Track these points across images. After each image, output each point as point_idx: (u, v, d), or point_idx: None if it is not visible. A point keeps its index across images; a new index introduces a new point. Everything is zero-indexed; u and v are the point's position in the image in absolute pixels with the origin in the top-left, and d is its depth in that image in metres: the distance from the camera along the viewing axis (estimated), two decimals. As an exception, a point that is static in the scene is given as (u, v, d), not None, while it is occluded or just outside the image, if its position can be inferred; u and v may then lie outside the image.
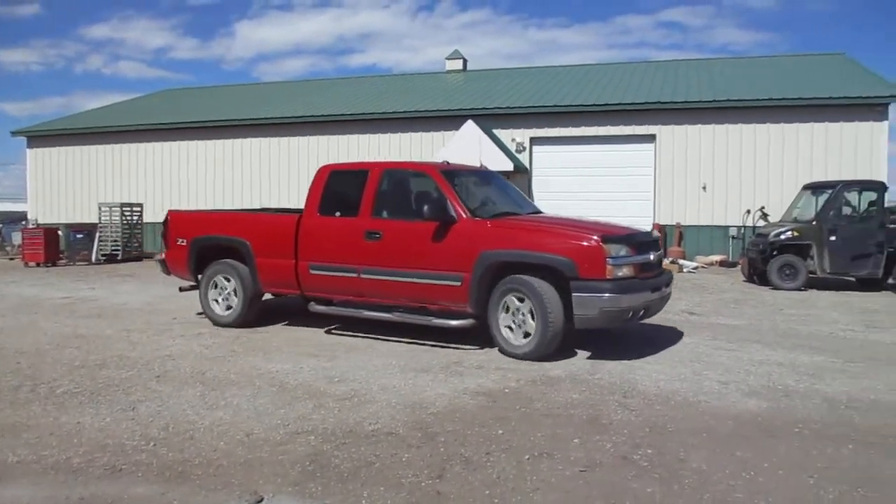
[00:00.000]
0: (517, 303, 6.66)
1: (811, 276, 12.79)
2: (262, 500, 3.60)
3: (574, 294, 6.35)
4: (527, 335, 6.61)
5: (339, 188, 7.85)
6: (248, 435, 4.54)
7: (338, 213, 7.72)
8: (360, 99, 22.95)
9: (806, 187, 14.25)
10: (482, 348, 7.07)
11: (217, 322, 8.41)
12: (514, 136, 19.28)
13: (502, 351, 6.79)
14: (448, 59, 27.09)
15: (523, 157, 19.18)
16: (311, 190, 7.95)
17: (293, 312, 9.06)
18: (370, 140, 20.67)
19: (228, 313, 8.36)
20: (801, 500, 3.64)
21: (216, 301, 8.46)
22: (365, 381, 5.87)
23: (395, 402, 5.29)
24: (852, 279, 13.41)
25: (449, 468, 4.01)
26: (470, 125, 18.21)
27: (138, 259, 18.98)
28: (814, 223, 12.88)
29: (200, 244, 8.53)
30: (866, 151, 16.83)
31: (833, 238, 12.63)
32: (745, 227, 16.01)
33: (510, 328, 6.75)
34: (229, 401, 5.31)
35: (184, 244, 8.62)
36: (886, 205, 13.29)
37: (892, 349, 7.54)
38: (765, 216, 15.63)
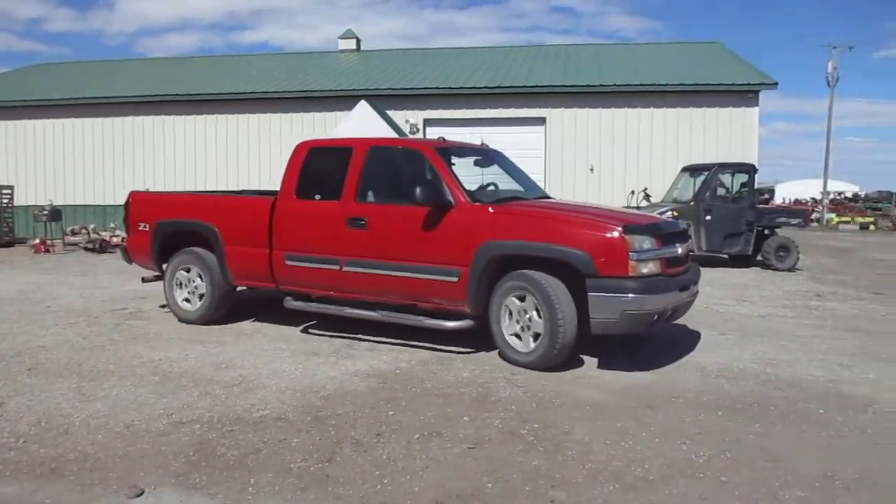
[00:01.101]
0: (518, 303, 5.76)
1: (689, 253, 13.48)
2: (142, 493, 3.46)
3: (590, 294, 5.43)
4: (536, 338, 5.67)
5: (319, 168, 6.97)
6: (127, 427, 4.35)
7: (318, 197, 6.80)
8: (249, 77, 22.23)
9: (684, 169, 14.98)
10: (476, 351, 6.28)
11: (183, 318, 7.55)
12: (407, 117, 19.18)
13: (504, 357, 5.91)
14: (341, 38, 26.64)
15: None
16: (287, 169, 7.02)
17: (265, 307, 7.98)
18: (259, 120, 20.10)
19: (195, 308, 7.49)
20: (674, 465, 3.85)
21: (182, 294, 7.59)
22: (254, 367, 5.74)
23: (284, 386, 5.20)
24: (725, 256, 14.25)
25: (339, 451, 4.00)
26: (363, 105, 18.01)
27: (9, 245, 17.73)
28: (691, 204, 13.57)
29: (164, 230, 7.64)
30: (739, 136, 17.85)
31: (708, 218, 13.36)
32: (629, 207, 16.70)
33: (517, 335, 5.82)
34: (108, 392, 5.06)
35: (146, 229, 7.76)
36: (756, 186, 14.18)
37: (759, 321, 8.10)
38: (647, 197, 16.34)
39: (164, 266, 7.82)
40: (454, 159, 6.60)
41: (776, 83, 17.95)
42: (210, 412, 4.63)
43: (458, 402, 4.89)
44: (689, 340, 6.91)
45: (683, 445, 4.15)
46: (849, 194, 52.33)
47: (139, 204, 8.06)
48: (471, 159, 7.20)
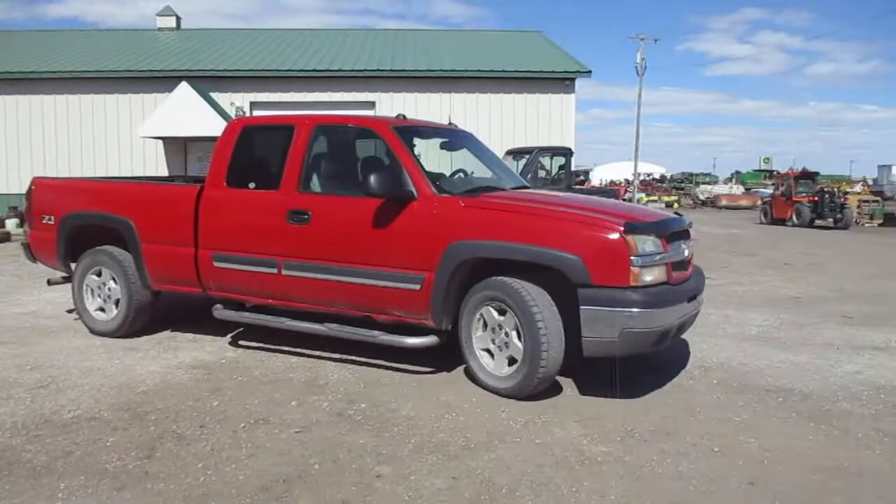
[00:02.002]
0: (496, 316, 4.77)
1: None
2: (-69, 510, 3.17)
3: (583, 308, 4.44)
4: (512, 361, 4.73)
5: (254, 150, 5.99)
6: (-87, 440, 3.94)
7: (252, 185, 5.70)
8: (57, 55, 20.43)
9: (508, 153, 15.63)
10: (449, 371, 5.31)
11: (95, 329, 6.35)
12: (233, 100, 18.57)
13: (477, 382, 4.91)
14: (159, 15, 25.10)
15: (245, 123, 18.58)
16: (215, 152, 5.89)
17: (187, 315, 6.32)
18: (69, 101, 18.60)
19: (108, 318, 6.30)
20: (494, 432, 4.10)
21: (94, 302, 6.40)
22: (64, 366, 5.37)
23: (99, 384, 4.92)
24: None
25: (160, 446, 3.86)
26: (184, 87, 17.19)
27: None
28: (516, 186, 14.20)
29: (72, 223, 6.39)
30: (558, 121, 18.91)
31: (531, 199, 14.04)
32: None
33: (489, 351, 4.87)
34: None
35: (51, 223, 6.50)
36: (573, 168, 15.14)
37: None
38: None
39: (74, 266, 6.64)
40: (416, 141, 5.61)
41: (590, 71, 19.16)
42: (13, 417, 4.28)
43: (287, 388, 4.88)
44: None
45: (503, 413, 4.42)
46: (657, 176, 57.31)
47: (43, 192, 6.72)
48: (436, 141, 6.25)
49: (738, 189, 44.37)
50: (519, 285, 4.62)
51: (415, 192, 4.98)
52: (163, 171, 17.84)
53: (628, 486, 3.48)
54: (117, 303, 6.26)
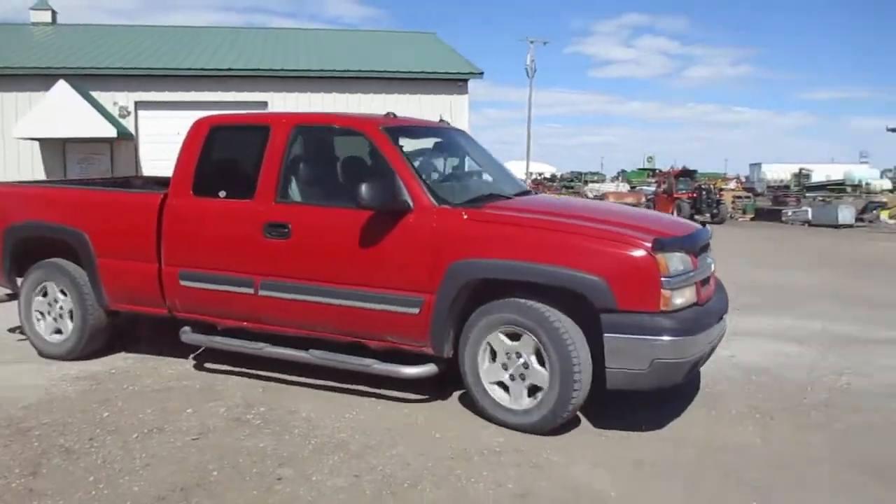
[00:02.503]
0: (508, 342, 4.21)
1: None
2: None
3: (607, 336, 3.95)
4: (534, 391, 4.18)
5: (224, 153, 5.29)
6: None
7: (222, 194, 5.03)
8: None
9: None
10: (433, 400, 4.76)
11: (44, 352, 5.63)
12: (116, 99, 17.73)
13: (487, 416, 4.33)
14: (33, 9, 23.59)
15: (128, 123, 17.77)
16: (180, 155, 5.21)
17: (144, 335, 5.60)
18: (-70, 100, 17.23)
19: (60, 340, 5.59)
20: (394, 428, 4.16)
21: (43, 322, 5.66)
22: (-65, 384, 5.02)
23: (-25, 401, 4.64)
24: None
25: (45, 462, 3.70)
26: (62, 85, 16.28)
27: None
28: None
29: (17, 236, 5.67)
30: (452, 121, 19.13)
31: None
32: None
33: (502, 384, 4.28)
34: None
35: None
36: (466, 169, 15.38)
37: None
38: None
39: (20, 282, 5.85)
40: (405, 142, 4.92)
41: (482, 73, 19.49)
42: None
43: (181, 396, 4.76)
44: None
45: (405, 410, 4.50)
46: (547, 175, 58.93)
47: None
48: (429, 142, 5.59)
49: (624, 187, 46.27)
50: (547, 310, 4.06)
51: (411, 202, 4.39)
52: (39, 175, 16.84)
53: (524, 473, 3.63)
54: (67, 324, 5.58)
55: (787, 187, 46.30)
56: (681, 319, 3.97)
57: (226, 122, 5.52)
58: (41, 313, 5.67)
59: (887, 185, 42.52)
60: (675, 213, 25.39)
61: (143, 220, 5.17)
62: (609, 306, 3.92)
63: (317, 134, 5.21)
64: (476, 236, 4.26)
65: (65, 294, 5.54)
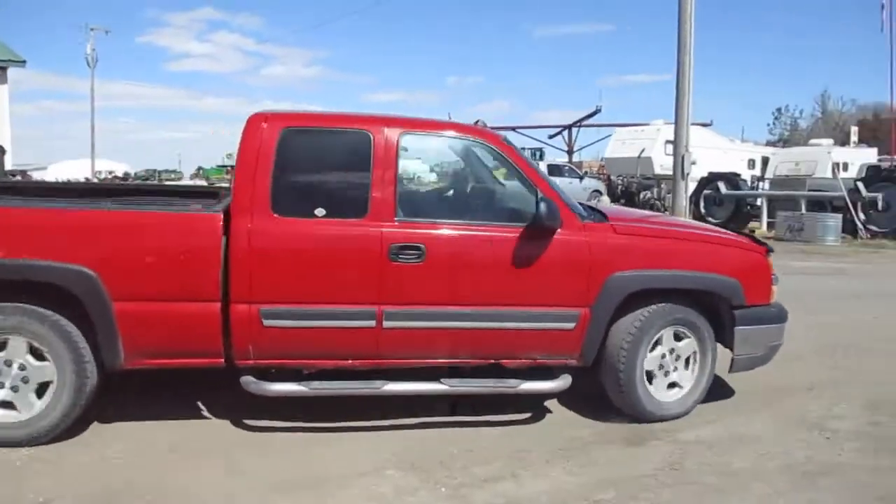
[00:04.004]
0: (674, 342, 4.59)
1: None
2: None
3: (738, 328, 4.58)
4: (672, 386, 4.63)
5: (308, 163, 4.45)
6: None
7: (321, 212, 4.22)
8: None
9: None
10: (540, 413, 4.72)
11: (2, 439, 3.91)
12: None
13: (638, 416, 4.55)
14: None
15: None
16: (244, 165, 4.19)
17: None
18: None
19: (31, 416, 3.92)
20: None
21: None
22: None
23: None
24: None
25: None
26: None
27: None
28: None
29: None
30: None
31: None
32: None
33: (676, 384, 4.65)
34: None
35: None
36: (8, 168, 13.58)
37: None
38: None
39: None
40: (524, 155, 4.94)
41: (24, 61, 18.40)
42: None
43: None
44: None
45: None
46: (120, 173, 54.77)
47: None
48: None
49: (202, 183, 45.89)
50: (696, 315, 4.61)
51: (561, 220, 4.31)
52: None
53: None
54: (39, 391, 3.94)
55: None
56: (780, 309, 4.87)
57: (303, 125, 4.51)
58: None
59: (435, 178, 44.26)
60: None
61: (197, 247, 4.05)
62: (740, 303, 4.60)
63: (429, 143, 4.84)
64: (626, 249, 4.49)
65: (39, 357, 3.90)
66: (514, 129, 27.27)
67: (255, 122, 4.25)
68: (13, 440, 3.88)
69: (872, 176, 18.38)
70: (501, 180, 4.77)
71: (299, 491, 3.59)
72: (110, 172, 52.33)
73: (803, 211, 17.97)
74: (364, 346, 4.26)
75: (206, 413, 4.59)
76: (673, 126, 14.36)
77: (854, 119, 55.02)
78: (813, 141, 30.43)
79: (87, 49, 36.02)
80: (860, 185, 17.40)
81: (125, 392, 4.59)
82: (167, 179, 52.65)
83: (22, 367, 3.90)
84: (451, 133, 4.72)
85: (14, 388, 3.90)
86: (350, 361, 4.30)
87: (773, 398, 5.10)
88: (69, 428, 4.01)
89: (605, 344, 4.47)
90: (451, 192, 4.98)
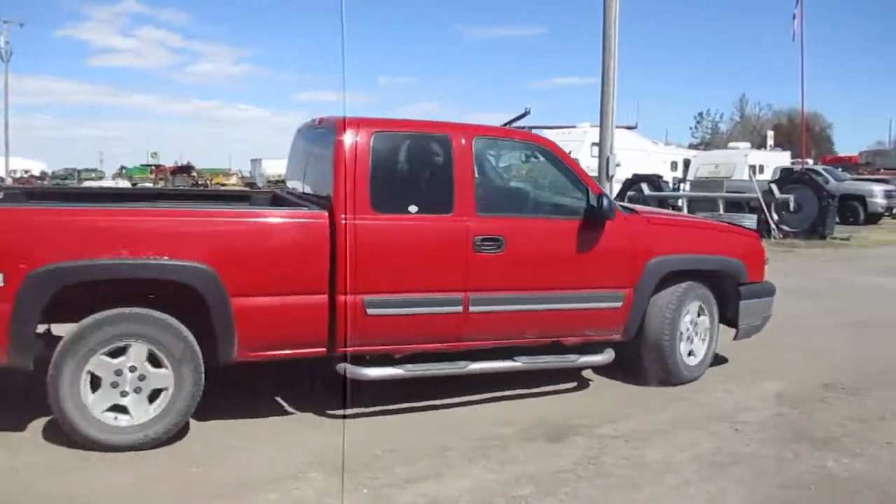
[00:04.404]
0: (695, 316, 5.47)
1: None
2: None
3: (743, 302, 5.56)
4: (689, 355, 5.47)
5: (398, 166, 4.95)
6: None
7: (414, 209, 4.67)
8: None
9: None
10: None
11: (102, 441, 3.92)
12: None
13: (673, 379, 5.35)
14: None
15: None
16: (342, 168, 4.50)
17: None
18: None
19: (142, 418, 3.99)
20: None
21: (107, 397, 3.96)
22: None
23: None
24: None
25: None
26: None
27: None
28: None
29: (65, 281, 3.87)
30: None
31: None
32: None
33: (691, 353, 5.51)
34: None
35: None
36: None
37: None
38: None
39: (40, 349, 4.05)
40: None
41: None
42: None
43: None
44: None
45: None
46: (36, 172, 53.93)
47: None
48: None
49: (124, 184, 43.53)
50: (708, 292, 5.52)
51: (612, 212, 5.05)
52: None
53: None
54: (152, 397, 4.02)
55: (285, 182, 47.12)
56: (771, 285, 5.88)
57: (392, 130, 4.93)
58: (106, 387, 3.95)
59: None
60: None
61: (307, 244, 4.40)
62: (743, 280, 5.56)
63: (497, 146, 5.66)
64: (660, 237, 5.37)
65: (155, 364, 4.01)
66: (444, 129, 27.27)
67: (349, 127, 4.57)
68: (126, 445, 3.96)
69: (785, 178, 19.17)
70: (557, 179, 5.33)
71: (218, 499, 3.52)
72: (26, 171, 49.77)
73: (721, 212, 18.55)
74: (451, 329, 4.74)
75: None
76: (598, 129, 14.67)
77: (770, 123, 57.49)
78: (731, 144, 31.73)
79: (0, 42, 34.36)
80: (774, 186, 18.04)
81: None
82: (87, 179, 49.32)
83: (138, 374, 3.99)
84: (516, 139, 5.77)
85: (134, 392, 3.99)
86: (440, 346, 4.77)
87: (687, 392, 5.30)
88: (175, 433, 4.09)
89: (644, 319, 5.22)
90: (519, 189, 5.73)
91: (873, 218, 22.24)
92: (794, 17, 19.64)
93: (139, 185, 39.65)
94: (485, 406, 4.91)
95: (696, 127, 69.21)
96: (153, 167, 54.30)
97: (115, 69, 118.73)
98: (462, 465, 3.94)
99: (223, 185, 31.77)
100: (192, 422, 4.27)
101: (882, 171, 34.19)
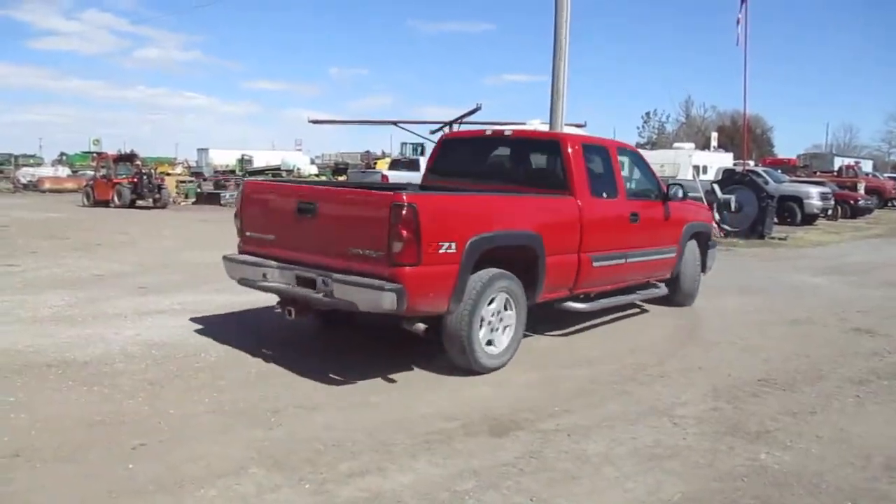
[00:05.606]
0: (697, 251, 8.69)
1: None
2: None
3: (710, 251, 8.88)
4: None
5: (595, 166, 7.02)
6: None
7: (605, 195, 6.93)
8: None
9: None
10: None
11: (481, 365, 5.52)
12: None
13: (691, 301, 8.70)
14: None
15: None
16: (571, 165, 6.55)
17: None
18: None
19: (496, 352, 5.71)
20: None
21: (484, 333, 5.59)
22: None
23: None
24: None
25: None
26: None
27: None
28: None
29: (481, 249, 5.33)
30: None
31: None
32: None
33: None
34: None
35: (451, 252, 5.11)
36: None
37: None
38: None
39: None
40: None
41: None
42: None
43: None
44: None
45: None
46: None
47: (435, 213, 5.12)
48: None
49: (64, 171, 42.91)
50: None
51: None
52: None
53: None
54: (504, 333, 5.78)
55: (233, 171, 45.49)
56: (715, 242, 9.23)
57: (588, 142, 7.34)
58: (482, 326, 5.53)
59: (314, 170, 44.56)
60: (115, 198, 24.48)
61: (573, 219, 6.36)
62: (709, 238, 8.85)
63: (624, 154, 7.87)
64: (688, 211, 8.45)
65: (506, 308, 5.73)
66: (395, 123, 27.02)
67: (570, 142, 6.78)
68: (490, 368, 5.60)
69: (727, 179, 19.63)
70: (646, 174, 7.98)
71: (155, 495, 3.45)
72: None
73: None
74: (618, 275, 7.13)
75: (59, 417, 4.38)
76: (549, 126, 14.77)
77: (714, 125, 58.90)
78: (677, 144, 32.40)
79: (-71, 21, 31.69)
80: (716, 187, 18.48)
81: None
82: (25, 165, 47.16)
83: (500, 316, 5.69)
84: (628, 149, 8.36)
85: (498, 330, 5.71)
86: (608, 287, 7.10)
87: (619, 388, 5.40)
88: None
89: (679, 263, 8.20)
90: (634, 181, 8.03)
91: (809, 219, 23.00)
92: (737, 22, 20.02)
93: (79, 173, 38.06)
94: (428, 401, 4.93)
95: (643, 126, 70.51)
96: (95, 154, 52.31)
97: (56, 52, 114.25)
98: (405, 460, 3.95)
99: (168, 174, 30.82)
100: (135, 418, 4.29)
101: (818, 173, 35.50)
